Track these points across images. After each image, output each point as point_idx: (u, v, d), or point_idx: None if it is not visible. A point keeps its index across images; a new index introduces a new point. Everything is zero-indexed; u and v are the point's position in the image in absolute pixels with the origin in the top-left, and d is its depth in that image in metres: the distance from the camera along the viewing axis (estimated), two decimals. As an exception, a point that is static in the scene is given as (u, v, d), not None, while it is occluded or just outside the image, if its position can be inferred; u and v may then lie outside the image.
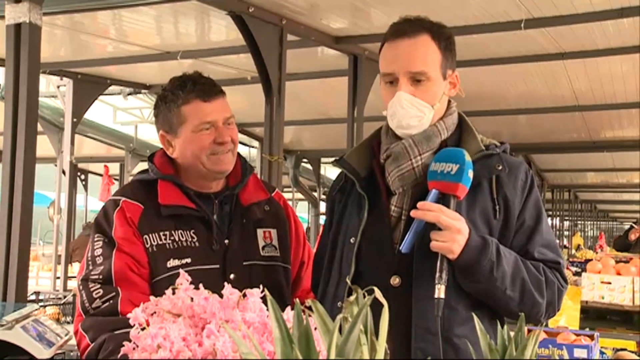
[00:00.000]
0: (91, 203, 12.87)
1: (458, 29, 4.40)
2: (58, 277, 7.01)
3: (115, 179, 10.73)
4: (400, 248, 1.58)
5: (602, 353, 3.63)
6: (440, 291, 1.54)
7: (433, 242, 1.56)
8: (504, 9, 4.14)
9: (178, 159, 1.89)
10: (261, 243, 1.94)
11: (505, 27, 4.35)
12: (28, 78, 2.45)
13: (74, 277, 6.07)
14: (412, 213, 1.57)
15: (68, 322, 4.39)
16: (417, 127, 1.66)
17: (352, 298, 0.84)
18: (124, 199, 1.84)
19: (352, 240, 1.70)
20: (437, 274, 1.55)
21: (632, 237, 6.38)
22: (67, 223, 6.97)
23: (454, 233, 1.56)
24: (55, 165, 8.24)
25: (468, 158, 1.59)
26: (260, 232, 1.95)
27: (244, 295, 1.23)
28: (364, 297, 0.85)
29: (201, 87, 1.84)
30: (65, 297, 5.38)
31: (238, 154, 1.98)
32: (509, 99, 6.83)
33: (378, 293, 0.88)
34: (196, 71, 1.92)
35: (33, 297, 5.58)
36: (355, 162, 1.75)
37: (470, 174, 1.59)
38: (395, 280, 1.65)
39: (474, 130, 1.74)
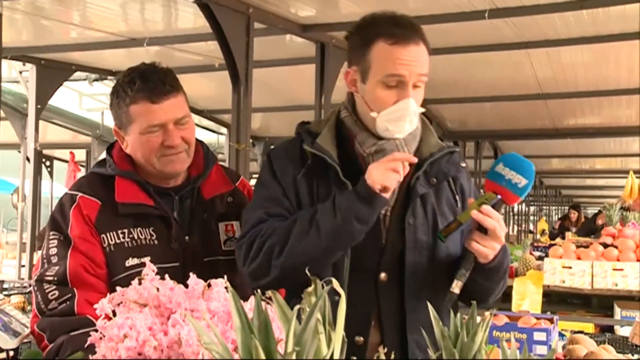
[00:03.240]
0: (57, 190, 12.68)
1: (424, 18, 4.45)
2: (23, 266, 6.93)
3: (82, 165, 10.58)
4: (441, 238, 1.62)
5: (562, 335, 3.74)
6: (457, 286, 1.60)
7: (474, 244, 1.59)
8: (468, -2, 4.21)
9: (131, 155, 1.82)
10: (223, 237, 1.90)
11: (469, 17, 4.41)
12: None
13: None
14: (474, 214, 1.57)
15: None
16: (406, 132, 1.67)
17: (310, 289, 0.87)
18: (80, 194, 1.79)
19: None
20: (462, 271, 1.60)
21: (599, 221, 6.56)
22: (32, 211, 6.88)
23: (497, 242, 1.60)
24: (19, 152, 8.11)
25: (534, 174, 1.63)
26: (222, 225, 1.90)
27: (209, 285, 1.26)
28: (322, 287, 0.88)
29: (150, 87, 1.72)
30: (30, 285, 5.32)
31: (202, 142, 1.93)
32: (474, 87, 6.92)
33: (336, 284, 0.91)
34: (151, 63, 1.81)
35: (-2, 286, 5.52)
36: (330, 149, 1.71)
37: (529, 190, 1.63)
38: (382, 276, 1.68)
39: (431, 127, 1.79)
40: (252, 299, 1.19)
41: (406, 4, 4.35)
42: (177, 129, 1.77)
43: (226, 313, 1.19)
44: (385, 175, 1.58)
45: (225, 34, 4.04)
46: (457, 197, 1.74)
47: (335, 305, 0.87)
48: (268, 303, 0.92)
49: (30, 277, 6.21)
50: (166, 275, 1.24)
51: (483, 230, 1.59)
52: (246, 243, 1.67)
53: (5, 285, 5.93)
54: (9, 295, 4.73)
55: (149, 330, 1.14)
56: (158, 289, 1.24)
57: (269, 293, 0.90)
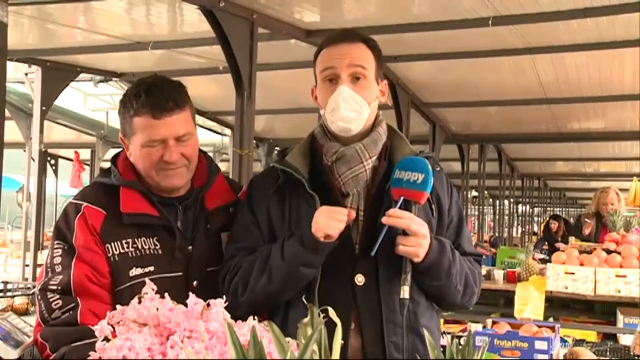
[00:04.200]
0: (61, 188, 12.72)
1: (429, 24, 4.46)
2: (27, 265, 6.95)
3: (86, 164, 10.61)
4: (372, 253, 1.66)
5: (564, 341, 3.75)
6: (405, 292, 1.66)
7: (400, 247, 1.67)
8: (471, 5, 4.20)
9: (134, 164, 1.85)
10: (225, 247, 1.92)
11: (473, 24, 4.41)
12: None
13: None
14: (384, 220, 1.66)
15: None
16: (355, 122, 1.75)
17: (306, 320, 0.88)
18: (85, 204, 1.80)
19: None
20: (403, 276, 1.67)
21: (586, 232, 6.50)
22: (37, 210, 6.90)
23: (420, 238, 1.68)
24: (24, 151, 8.13)
25: (430, 167, 1.69)
26: (224, 236, 1.93)
27: (208, 305, 1.27)
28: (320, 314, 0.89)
29: (154, 102, 1.75)
30: (34, 287, 5.34)
31: (205, 154, 1.96)
32: (478, 91, 6.91)
33: (332, 313, 0.93)
34: (162, 76, 1.84)
35: (1, 287, 5.53)
36: (299, 164, 1.80)
37: (432, 182, 1.69)
38: (359, 279, 1.73)
39: (404, 136, 1.88)
40: (250, 320, 1.21)
41: (410, 10, 4.36)
42: (178, 145, 1.79)
43: (224, 334, 1.20)
44: (329, 224, 1.65)
45: (229, 40, 4.06)
46: (432, 207, 1.80)
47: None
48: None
49: (34, 278, 6.24)
50: (166, 294, 1.25)
51: (407, 233, 1.68)
52: (220, 279, 1.80)
53: (9, 286, 5.97)
54: (12, 297, 4.75)
55: (147, 352, 1.16)
56: (157, 308, 1.25)
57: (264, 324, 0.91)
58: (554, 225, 11.13)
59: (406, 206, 1.69)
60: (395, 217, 1.66)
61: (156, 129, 1.76)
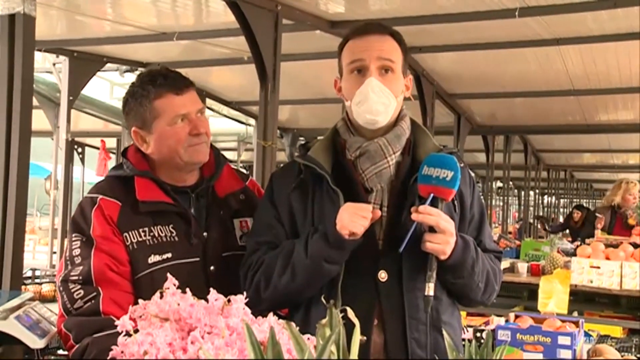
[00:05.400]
0: (88, 176, 12.89)
1: (453, 15, 4.42)
2: (55, 252, 7.07)
3: (112, 153, 10.74)
4: (400, 249, 1.66)
5: (588, 335, 3.71)
6: (429, 289, 1.65)
7: (428, 244, 1.66)
8: (498, -3, 4.16)
9: (153, 155, 1.88)
10: (238, 233, 1.97)
11: (499, 15, 4.36)
12: (23, 69, 2.49)
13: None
14: (414, 216, 1.65)
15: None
16: (383, 115, 1.73)
17: (324, 321, 0.89)
18: (101, 196, 1.84)
19: None
20: (428, 273, 1.66)
21: (599, 226, 6.35)
22: (64, 197, 7.01)
23: (447, 236, 1.67)
24: (52, 139, 8.25)
25: (458, 165, 1.68)
26: (237, 222, 1.98)
27: (229, 301, 1.29)
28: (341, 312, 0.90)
29: (172, 81, 1.84)
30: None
31: (211, 145, 1.99)
32: (505, 82, 6.84)
33: (351, 313, 0.93)
34: (163, 66, 1.95)
35: (29, 274, 5.64)
36: (322, 159, 1.79)
37: (460, 180, 1.69)
38: (382, 275, 1.72)
39: (427, 131, 1.86)
40: (270, 316, 1.22)
41: (434, 1, 4.32)
42: (199, 119, 1.87)
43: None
44: (353, 222, 1.65)
45: (254, 31, 4.06)
46: (455, 203, 1.78)
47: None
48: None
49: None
50: (187, 289, 1.26)
51: (433, 230, 1.67)
52: (242, 274, 1.80)
53: (37, 273, 6.08)
54: (40, 284, 4.86)
55: (168, 347, 1.17)
56: (179, 303, 1.26)
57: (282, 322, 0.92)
58: (577, 215, 11.03)
59: (432, 202, 1.67)
60: (425, 213, 1.65)
61: (180, 104, 1.83)
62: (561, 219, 19.56)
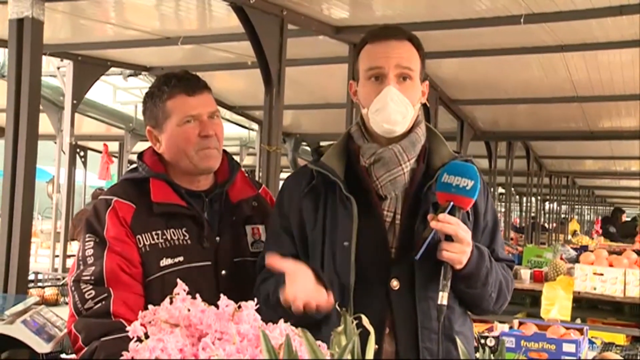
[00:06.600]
0: (90, 179, 12.89)
1: (458, 22, 4.42)
2: (57, 256, 7.06)
3: (115, 157, 10.74)
4: (417, 257, 1.65)
5: (592, 343, 3.70)
6: (443, 298, 1.64)
7: (444, 253, 1.64)
8: (504, 4, 4.15)
9: (165, 155, 1.91)
10: (250, 239, 1.99)
11: (505, 22, 4.36)
12: (31, 73, 2.50)
13: (74, 255, 6.12)
14: (433, 224, 1.63)
15: (67, 304, 4.42)
16: (401, 124, 1.72)
17: (340, 329, 0.89)
18: (115, 198, 1.86)
19: (345, 244, 1.72)
20: (443, 282, 1.64)
21: None
22: (67, 202, 7.01)
23: (465, 246, 1.65)
24: (55, 143, 8.24)
25: (479, 174, 1.68)
26: (249, 228, 1.99)
27: (239, 307, 1.28)
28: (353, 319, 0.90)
29: (186, 82, 1.88)
30: (64, 277, 5.43)
31: (225, 151, 2.01)
32: (508, 89, 6.84)
33: (365, 321, 0.93)
34: (183, 69, 1.97)
35: (32, 277, 5.63)
36: (335, 165, 1.77)
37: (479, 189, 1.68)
38: (394, 283, 1.71)
39: (442, 138, 1.84)
40: (280, 323, 1.21)
41: (440, 8, 4.32)
42: (210, 121, 1.89)
43: (256, 336, 1.20)
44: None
45: (259, 36, 4.06)
46: (469, 211, 1.76)
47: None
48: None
49: (63, 269, 6.34)
50: (197, 296, 1.26)
51: (450, 239, 1.65)
52: (255, 289, 1.78)
53: (40, 277, 6.08)
54: (43, 288, 4.84)
55: (179, 353, 1.17)
56: (189, 309, 1.26)
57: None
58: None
59: (450, 211, 1.65)
60: (445, 222, 1.62)
61: (191, 105, 1.87)
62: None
